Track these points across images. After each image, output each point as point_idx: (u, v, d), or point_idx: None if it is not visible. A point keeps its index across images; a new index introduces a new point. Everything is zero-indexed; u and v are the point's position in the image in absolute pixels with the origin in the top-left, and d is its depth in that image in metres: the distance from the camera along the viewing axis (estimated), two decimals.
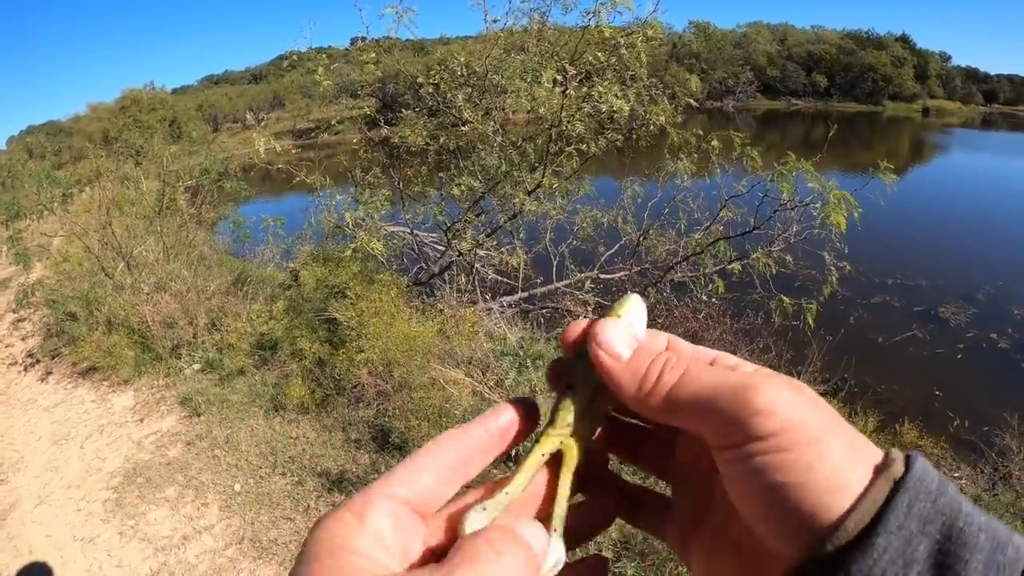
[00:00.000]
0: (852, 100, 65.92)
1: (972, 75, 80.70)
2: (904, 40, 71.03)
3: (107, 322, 6.76)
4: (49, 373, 6.74)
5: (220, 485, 4.64)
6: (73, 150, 26.07)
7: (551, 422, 0.40)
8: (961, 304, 9.48)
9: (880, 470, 0.29)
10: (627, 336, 0.39)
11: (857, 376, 6.37)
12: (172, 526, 4.26)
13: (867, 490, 0.28)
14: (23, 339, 7.84)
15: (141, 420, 5.67)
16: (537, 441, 0.39)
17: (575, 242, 7.46)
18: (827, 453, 0.29)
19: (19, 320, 8.39)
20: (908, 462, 0.29)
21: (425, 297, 6.66)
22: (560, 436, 0.39)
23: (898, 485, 0.28)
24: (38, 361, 7.04)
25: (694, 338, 5.99)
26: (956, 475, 4.99)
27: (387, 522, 0.31)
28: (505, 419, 0.38)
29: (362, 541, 0.30)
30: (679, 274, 6.59)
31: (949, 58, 79.95)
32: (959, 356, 8.02)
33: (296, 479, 4.63)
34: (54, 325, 7.37)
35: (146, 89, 34.93)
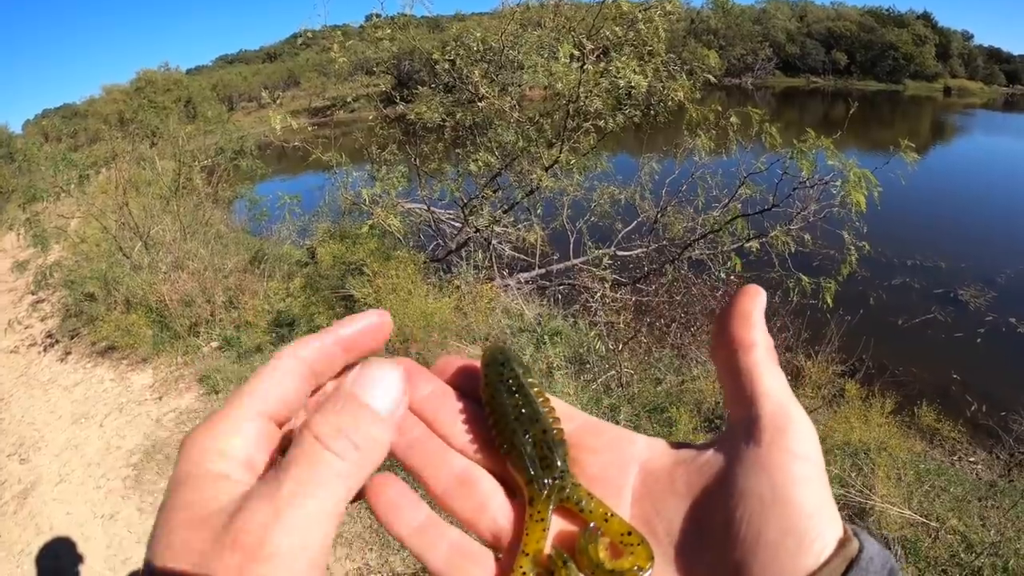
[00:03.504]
0: (872, 78, 64.76)
1: (995, 55, 79.00)
2: (926, 18, 69.60)
3: (125, 302, 6.81)
4: (68, 353, 6.80)
5: None
6: (89, 132, 26.15)
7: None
8: (981, 287, 9.35)
9: (841, 545, 0.30)
10: None
11: (875, 357, 6.30)
12: None
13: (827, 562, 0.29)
14: (42, 320, 7.92)
15: (160, 398, 5.72)
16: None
17: (592, 219, 7.42)
18: (832, 506, 0.31)
19: (38, 301, 8.47)
20: (860, 544, 0.30)
21: (442, 274, 6.65)
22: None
23: (851, 565, 0.29)
24: (57, 341, 7.10)
25: (712, 316, 6.00)
26: (972, 460, 4.96)
27: (246, 440, 0.31)
28: (356, 328, 0.36)
29: (222, 464, 0.30)
30: (697, 251, 6.55)
31: (971, 37, 78.30)
32: (978, 340, 7.93)
33: None
34: (72, 306, 7.42)
35: (161, 70, 34.84)
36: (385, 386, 0.32)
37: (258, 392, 0.33)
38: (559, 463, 0.35)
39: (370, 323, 0.36)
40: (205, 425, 0.31)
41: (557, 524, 0.36)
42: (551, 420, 0.37)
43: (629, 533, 0.33)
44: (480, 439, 0.38)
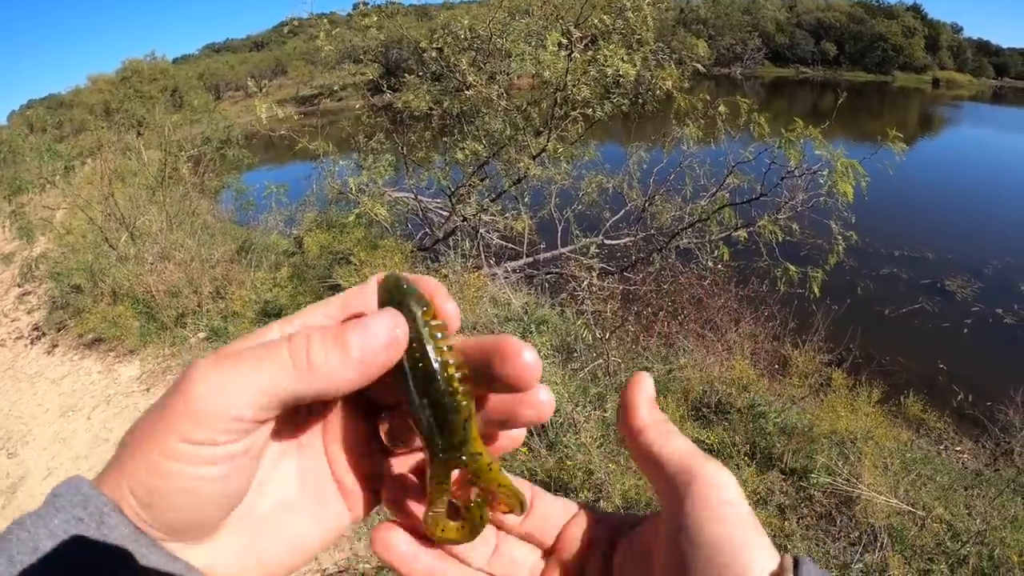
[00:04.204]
0: (861, 69, 64.93)
1: (983, 48, 79.33)
2: (915, 10, 69.79)
3: (112, 293, 6.76)
4: (55, 346, 6.75)
5: None
6: (74, 123, 25.91)
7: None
8: (968, 278, 9.42)
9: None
10: None
11: (862, 347, 6.33)
12: None
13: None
14: (28, 312, 7.85)
15: (148, 389, 5.69)
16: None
17: (580, 207, 7.42)
18: (755, 540, 0.31)
19: (24, 294, 8.40)
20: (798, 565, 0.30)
21: (429, 263, 6.63)
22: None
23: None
24: (44, 334, 7.05)
25: (699, 304, 6.02)
26: (958, 449, 5.00)
27: None
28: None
29: None
30: (685, 240, 6.57)
31: (961, 29, 78.56)
32: (965, 330, 8.01)
33: None
34: (59, 298, 7.36)
35: (147, 59, 34.56)
36: (369, 336, 0.31)
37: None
38: (459, 428, 0.32)
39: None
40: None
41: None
42: (456, 379, 0.32)
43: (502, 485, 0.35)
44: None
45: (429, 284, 0.36)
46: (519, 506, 0.36)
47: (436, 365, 0.32)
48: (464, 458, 0.33)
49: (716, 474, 0.33)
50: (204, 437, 0.29)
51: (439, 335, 0.33)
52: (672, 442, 0.35)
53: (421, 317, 0.32)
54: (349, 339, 0.31)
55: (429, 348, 0.32)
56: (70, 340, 6.73)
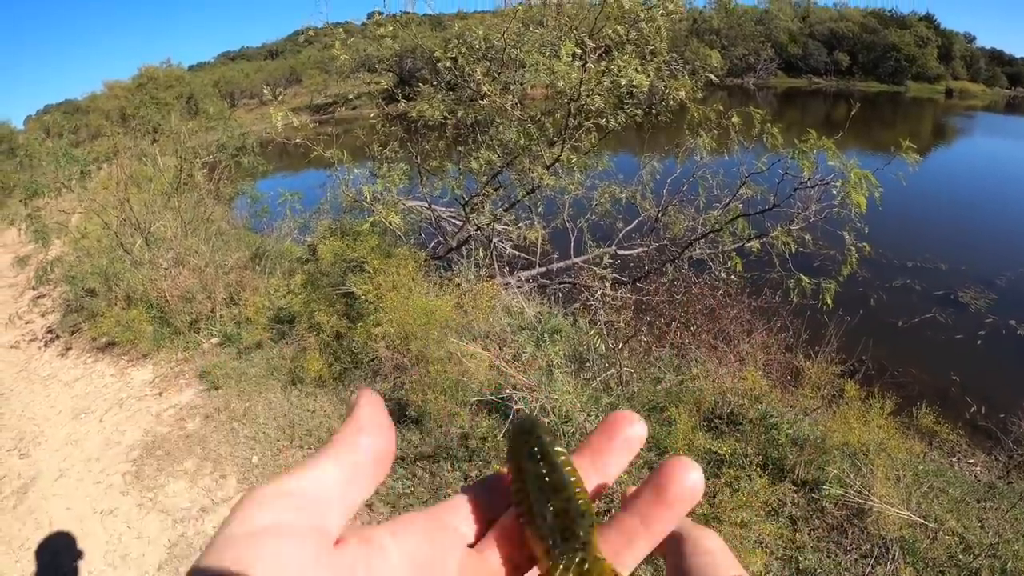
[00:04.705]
0: (874, 79, 64.55)
1: (997, 57, 78.71)
2: (928, 19, 69.39)
3: (126, 297, 6.82)
4: (69, 348, 6.82)
5: (238, 457, 4.70)
6: (90, 128, 26.16)
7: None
8: (981, 289, 9.36)
9: None
10: None
11: (874, 358, 6.31)
12: (190, 498, 4.32)
13: None
14: (43, 315, 7.93)
15: (160, 394, 5.74)
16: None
17: (593, 217, 7.45)
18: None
19: (39, 297, 8.48)
20: None
21: (443, 271, 6.66)
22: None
23: None
24: (58, 337, 7.12)
25: (712, 315, 6.01)
26: (971, 461, 4.96)
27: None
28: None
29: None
30: (697, 251, 6.56)
31: (974, 39, 78.04)
32: (978, 342, 7.94)
33: (313, 451, 4.67)
34: (73, 301, 7.44)
35: (163, 66, 34.84)
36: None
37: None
38: (581, 533, 0.33)
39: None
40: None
41: None
42: (577, 490, 0.35)
43: None
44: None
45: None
46: None
47: (565, 476, 0.35)
48: (587, 563, 0.33)
49: (704, 534, 0.40)
50: None
51: (563, 455, 0.36)
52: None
53: (549, 443, 0.36)
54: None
55: (558, 461, 0.35)
56: (84, 343, 6.79)
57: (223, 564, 0.26)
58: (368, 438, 0.34)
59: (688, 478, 0.35)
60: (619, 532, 0.36)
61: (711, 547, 0.38)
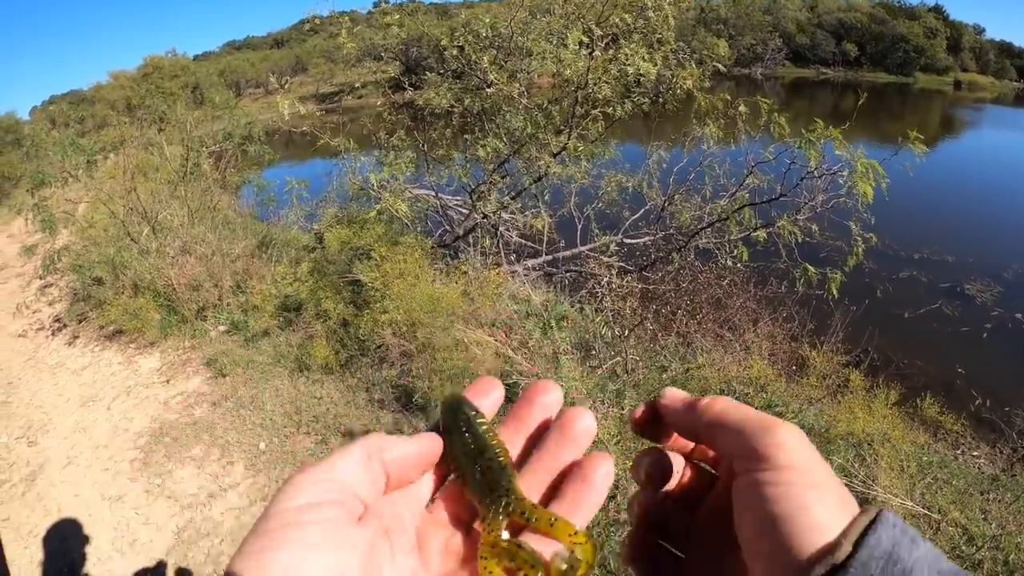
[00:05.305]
0: (882, 70, 64.16)
1: (1006, 50, 78.04)
2: (937, 10, 68.88)
3: (133, 286, 6.84)
4: (76, 337, 6.85)
5: (245, 444, 4.73)
6: (96, 118, 26.20)
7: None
8: (988, 282, 9.35)
9: (855, 522, 0.33)
10: None
11: (880, 349, 6.31)
12: (198, 484, 4.36)
13: (844, 533, 0.32)
14: (50, 304, 7.97)
15: (167, 381, 5.77)
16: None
17: (600, 206, 7.45)
18: (823, 498, 0.34)
19: (46, 286, 8.52)
20: (877, 518, 0.33)
21: (449, 259, 6.66)
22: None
23: (857, 545, 0.32)
24: (65, 326, 7.15)
25: (718, 304, 6.01)
26: (975, 453, 4.96)
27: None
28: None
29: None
30: (704, 240, 6.54)
31: (983, 31, 77.41)
32: (984, 334, 7.94)
33: (320, 438, 4.71)
34: (80, 290, 7.46)
35: (168, 56, 34.85)
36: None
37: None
38: (504, 483, 0.40)
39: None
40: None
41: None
42: (497, 451, 0.42)
43: (575, 533, 0.38)
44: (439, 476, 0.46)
45: (483, 385, 0.47)
46: (592, 554, 0.38)
47: (487, 441, 0.43)
48: (512, 504, 0.40)
49: (781, 438, 0.37)
50: None
51: (484, 424, 0.44)
52: (741, 409, 0.41)
53: (473, 417, 0.44)
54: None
55: (480, 431, 0.43)
56: (91, 332, 6.82)
57: (268, 527, 0.33)
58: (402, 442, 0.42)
59: (583, 422, 0.43)
60: (534, 472, 0.43)
61: (792, 462, 0.35)
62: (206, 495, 4.24)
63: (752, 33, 61.22)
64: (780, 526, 0.33)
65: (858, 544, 0.31)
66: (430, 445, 0.43)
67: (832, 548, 0.31)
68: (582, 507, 0.41)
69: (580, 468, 0.42)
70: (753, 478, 0.36)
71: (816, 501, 0.33)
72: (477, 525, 0.42)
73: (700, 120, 6.39)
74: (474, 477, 0.41)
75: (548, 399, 0.46)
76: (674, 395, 0.46)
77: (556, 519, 0.39)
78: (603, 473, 0.42)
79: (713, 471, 0.47)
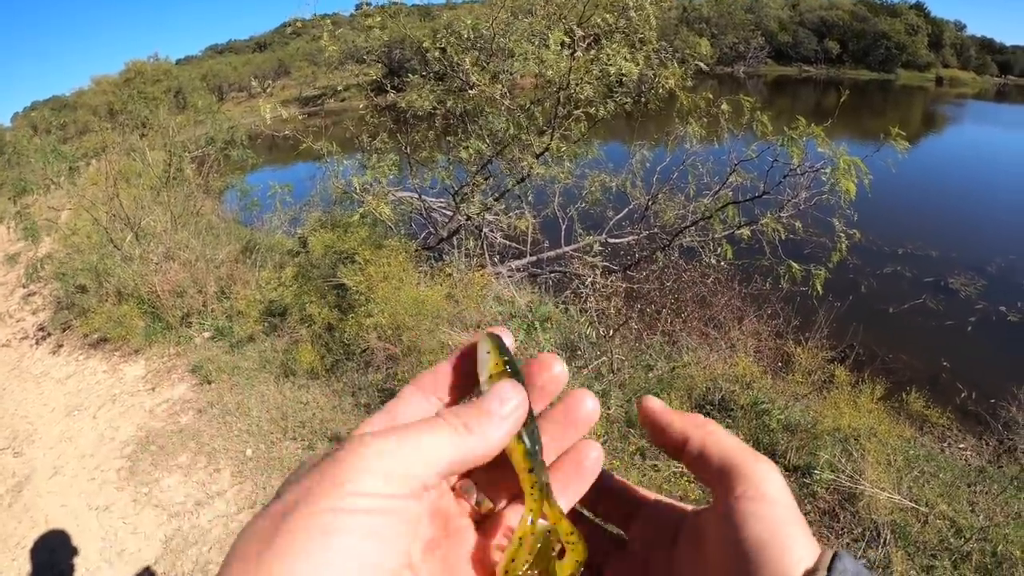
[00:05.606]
0: (864, 67, 64.85)
1: (987, 46, 79.02)
2: (918, 7, 69.63)
3: (117, 293, 6.78)
4: (60, 346, 6.78)
5: (232, 451, 4.70)
6: (78, 124, 26.06)
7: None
8: (971, 276, 9.44)
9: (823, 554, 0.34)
10: None
11: (865, 344, 6.36)
12: (185, 492, 4.32)
13: (818, 561, 0.33)
14: (34, 313, 7.88)
15: (153, 389, 5.72)
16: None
17: (583, 206, 7.46)
18: (802, 532, 0.35)
19: (29, 294, 8.43)
20: (837, 553, 0.34)
21: (434, 262, 6.65)
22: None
23: (830, 570, 0.33)
24: (49, 334, 7.07)
25: (703, 302, 6.02)
26: (961, 446, 5.00)
27: None
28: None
29: None
30: (688, 238, 6.57)
31: (964, 27, 78.33)
32: (968, 328, 8.01)
33: (307, 443, 4.69)
34: (64, 298, 7.39)
35: (150, 61, 34.73)
36: (506, 399, 0.38)
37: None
38: (541, 455, 0.39)
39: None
40: None
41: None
42: (534, 414, 0.40)
43: (572, 532, 0.38)
44: None
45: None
46: (583, 553, 0.39)
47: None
48: (548, 482, 0.39)
49: (763, 472, 0.38)
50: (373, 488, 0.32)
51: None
52: (722, 441, 0.41)
53: (518, 364, 0.41)
54: (491, 406, 0.37)
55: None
56: (75, 340, 6.76)
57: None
58: None
59: (586, 405, 0.42)
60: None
61: (772, 494, 0.36)
62: (193, 503, 4.20)
63: (734, 32, 61.66)
64: (767, 551, 0.34)
65: (830, 569, 0.32)
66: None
67: (811, 573, 0.32)
68: (568, 492, 0.41)
69: (576, 451, 0.43)
70: (740, 504, 0.37)
71: (797, 533, 0.34)
72: (476, 502, 0.41)
73: (683, 119, 6.43)
74: (525, 442, 0.38)
75: (553, 373, 0.44)
76: (652, 409, 0.44)
77: (561, 517, 0.38)
78: (595, 457, 0.42)
79: (622, 533, 0.46)
